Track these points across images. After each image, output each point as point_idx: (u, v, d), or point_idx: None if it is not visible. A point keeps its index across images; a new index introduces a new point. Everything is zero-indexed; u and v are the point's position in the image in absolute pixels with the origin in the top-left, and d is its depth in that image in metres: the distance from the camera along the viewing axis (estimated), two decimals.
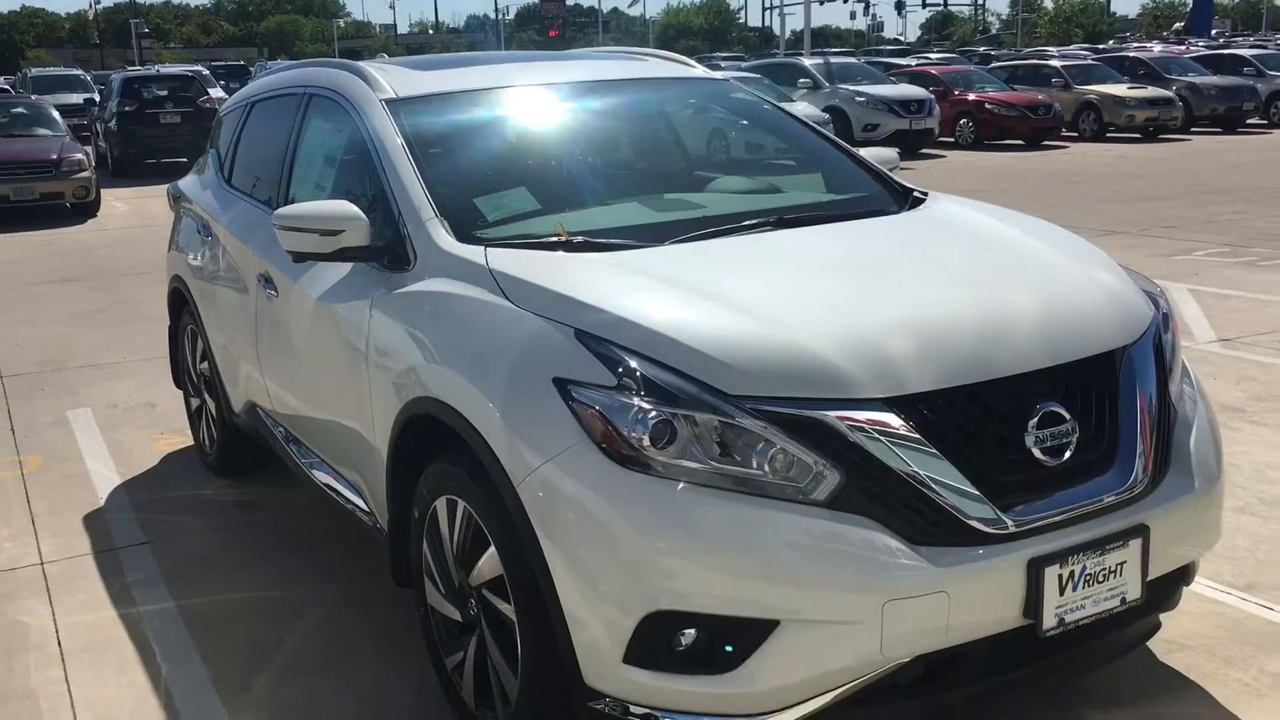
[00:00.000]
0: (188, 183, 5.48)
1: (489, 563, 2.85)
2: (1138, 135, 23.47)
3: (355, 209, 3.35)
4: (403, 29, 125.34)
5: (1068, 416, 2.62)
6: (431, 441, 3.05)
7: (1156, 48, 38.81)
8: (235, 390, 4.73)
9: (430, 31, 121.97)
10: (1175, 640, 3.42)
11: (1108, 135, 23.41)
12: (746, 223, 3.36)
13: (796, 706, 2.50)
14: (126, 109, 19.75)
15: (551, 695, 2.73)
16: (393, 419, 3.17)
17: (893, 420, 2.49)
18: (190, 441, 5.59)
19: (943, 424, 2.53)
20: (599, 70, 4.29)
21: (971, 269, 3.06)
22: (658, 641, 2.50)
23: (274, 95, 4.75)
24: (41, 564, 4.38)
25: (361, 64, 4.13)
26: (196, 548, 4.51)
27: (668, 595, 2.46)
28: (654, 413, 2.49)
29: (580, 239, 3.18)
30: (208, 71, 28.92)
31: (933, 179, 16.79)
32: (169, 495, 5.08)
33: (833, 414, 2.48)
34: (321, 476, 3.99)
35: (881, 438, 2.47)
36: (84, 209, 14.97)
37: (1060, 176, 16.93)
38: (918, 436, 2.49)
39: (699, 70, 4.49)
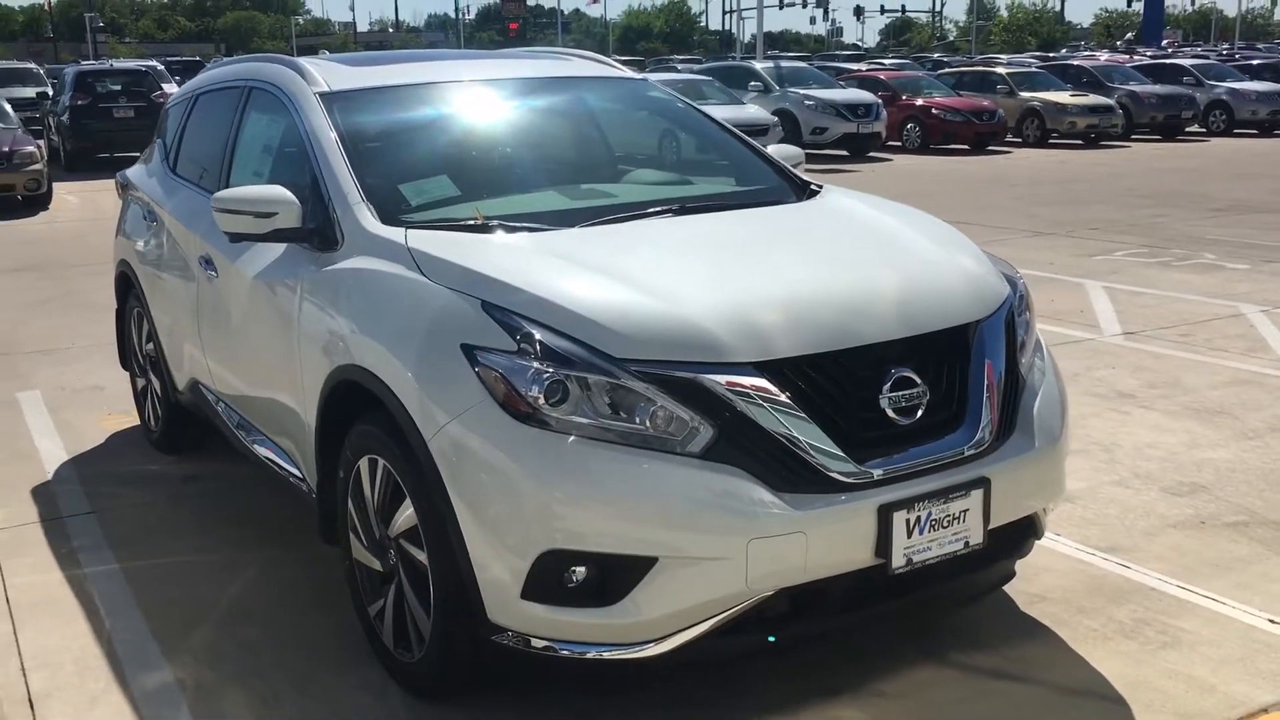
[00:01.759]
0: (135, 172, 5.72)
1: (405, 515, 3.13)
2: (1079, 141, 24.08)
3: (288, 193, 3.62)
4: (363, 27, 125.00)
5: (919, 381, 2.95)
6: (355, 407, 3.33)
7: (1103, 56, 39.64)
8: (179, 369, 4.97)
9: (390, 30, 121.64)
10: (1037, 593, 3.77)
11: (1050, 141, 24.01)
12: (651, 210, 3.67)
13: (676, 635, 2.81)
14: (79, 103, 19.77)
15: (460, 632, 3.02)
16: (320, 386, 3.45)
17: (761, 382, 2.80)
18: (137, 420, 5.82)
19: (805, 385, 2.84)
20: (523, 68, 4.59)
21: (844, 251, 3.40)
22: (551, 578, 2.80)
23: (217, 88, 5.00)
24: None
25: (299, 59, 4.40)
26: (141, 517, 4.75)
27: (559, 535, 2.76)
28: (548, 374, 2.79)
29: (495, 222, 3.47)
30: (162, 67, 28.86)
31: (877, 181, 17.22)
32: (115, 469, 5.31)
33: (707, 376, 2.79)
34: (258, 447, 4.25)
35: (750, 397, 2.78)
36: (36, 201, 15.03)
37: (1000, 180, 17.41)
38: (782, 396, 2.80)
39: (619, 70, 4.80)
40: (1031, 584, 3.82)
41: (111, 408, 6.17)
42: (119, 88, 20.49)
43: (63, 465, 5.35)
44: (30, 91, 24.53)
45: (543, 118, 4.39)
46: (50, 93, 23.17)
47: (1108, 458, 5.05)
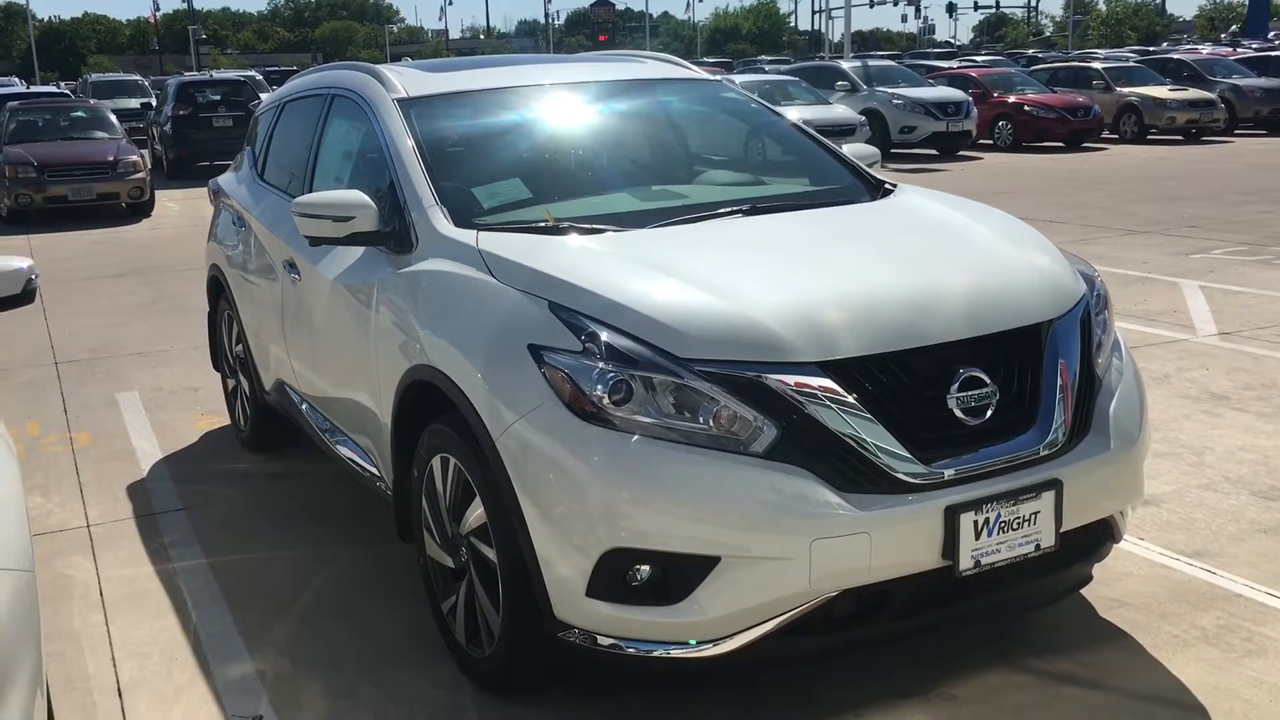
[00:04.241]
0: (226, 179, 5.88)
1: (475, 513, 3.19)
2: (1179, 137, 23.41)
3: (365, 197, 3.70)
4: (454, 34, 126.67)
5: (988, 381, 2.91)
6: (428, 406, 3.39)
7: (1205, 50, 38.46)
8: (265, 370, 5.11)
9: (481, 36, 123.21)
10: (1117, 598, 3.69)
11: (1149, 137, 23.38)
12: (722, 210, 3.67)
13: (739, 634, 2.81)
14: (181, 113, 20.36)
15: (528, 629, 3.06)
16: (395, 386, 3.52)
17: (826, 382, 2.79)
18: (228, 420, 5.99)
19: (870, 385, 2.83)
20: (597, 71, 4.62)
21: (913, 250, 3.36)
22: (615, 576, 2.82)
23: (302, 96, 5.12)
24: (88, 526, 4.77)
25: (379, 66, 4.49)
26: (229, 514, 4.89)
27: (623, 534, 2.78)
28: (613, 374, 2.82)
29: (565, 224, 3.50)
30: (261, 77, 29.64)
31: (966, 180, 16.96)
32: (206, 468, 5.47)
33: (772, 376, 2.79)
34: (340, 446, 4.35)
35: (814, 396, 2.78)
36: (139, 209, 15.54)
37: (1094, 178, 17.01)
38: (847, 396, 2.79)
39: (693, 71, 4.81)
40: (1111, 588, 3.74)
41: (204, 408, 6.35)
42: (219, 98, 21.06)
43: (157, 464, 5.53)
44: (135, 102, 25.43)
45: (616, 119, 4.42)
46: (154, 103, 23.92)
47: (1196, 460, 4.92)
